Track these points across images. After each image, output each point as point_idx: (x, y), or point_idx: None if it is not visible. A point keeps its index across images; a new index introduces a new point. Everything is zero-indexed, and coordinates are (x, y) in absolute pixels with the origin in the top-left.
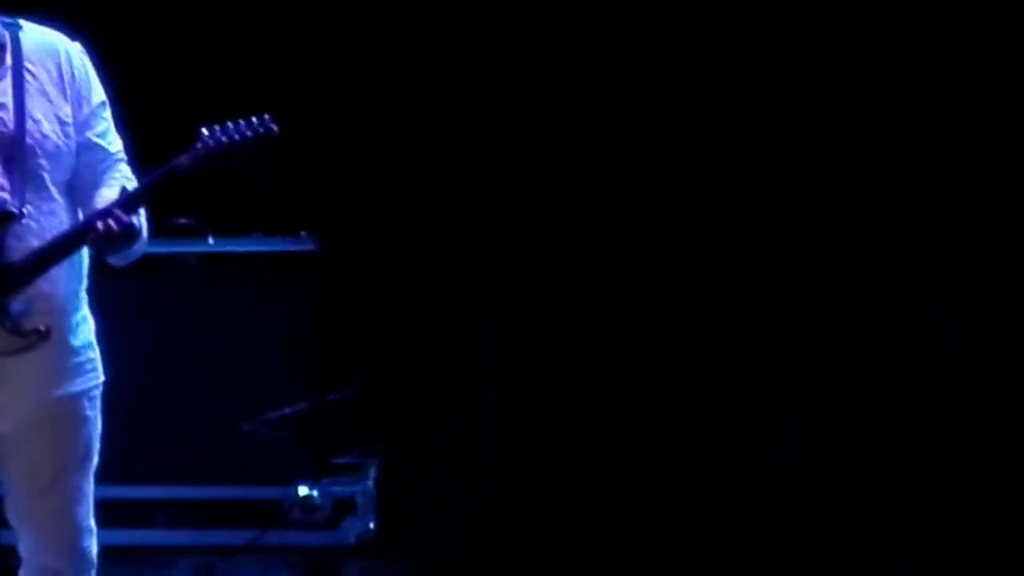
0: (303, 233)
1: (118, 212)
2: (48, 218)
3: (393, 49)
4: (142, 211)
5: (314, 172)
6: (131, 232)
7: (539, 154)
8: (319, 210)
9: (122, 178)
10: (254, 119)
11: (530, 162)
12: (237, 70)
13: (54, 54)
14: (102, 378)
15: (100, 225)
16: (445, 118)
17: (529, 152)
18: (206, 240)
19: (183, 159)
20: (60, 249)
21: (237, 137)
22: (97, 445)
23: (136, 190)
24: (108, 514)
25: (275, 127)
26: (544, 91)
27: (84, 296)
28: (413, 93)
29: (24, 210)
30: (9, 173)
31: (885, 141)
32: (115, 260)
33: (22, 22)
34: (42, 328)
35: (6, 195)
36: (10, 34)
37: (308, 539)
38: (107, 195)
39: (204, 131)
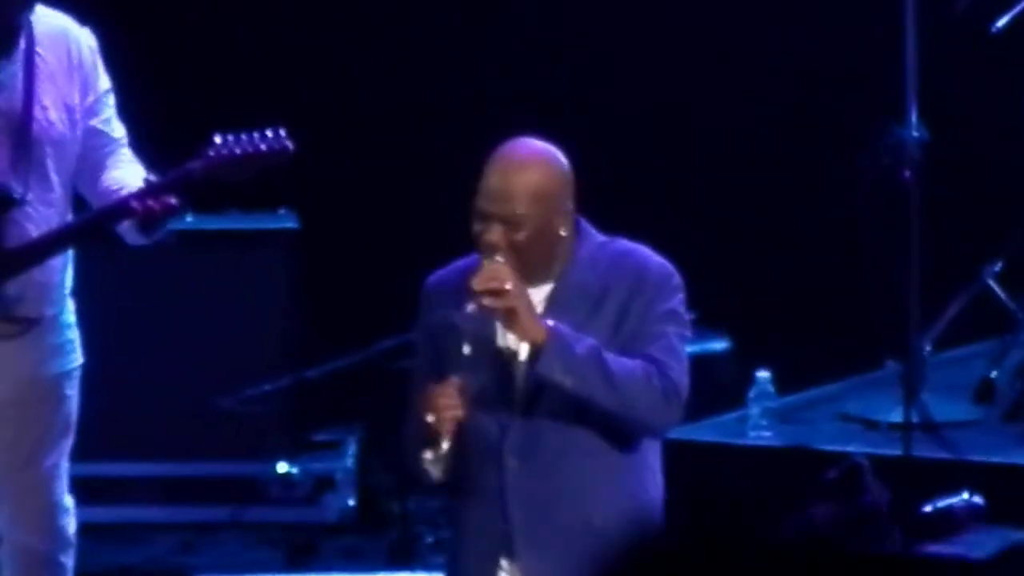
0: (282, 209)
1: (155, 198)
2: (46, 208)
3: (375, 27)
4: None
5: (294, 146)
6: (174, 211)
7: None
8: (298, 185)
9: (128, 161)
10: (269, 133)
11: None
12: (225, 47)
13: (64, 39)
14: (82, 359)
15: (138, 206)
16: (427, 94)
17: (514, 129)
18: (184, 217)
19: (196, 165)
20: (61, 242)
21: (250, 150)
22: (74, 424)
23: (149, 188)
24: (87, 491)
25: (290, 144)
26: (529, 74)
27: (70, 280)
28: (394, 67)
29: (27, 197)
30: (15, 160)
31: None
32: (137, 239)
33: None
34: (32, 316)
35: (11, 180)
36: (25, 18)
37: (287, 516)
38: (117, 176)
39: (217, 139)
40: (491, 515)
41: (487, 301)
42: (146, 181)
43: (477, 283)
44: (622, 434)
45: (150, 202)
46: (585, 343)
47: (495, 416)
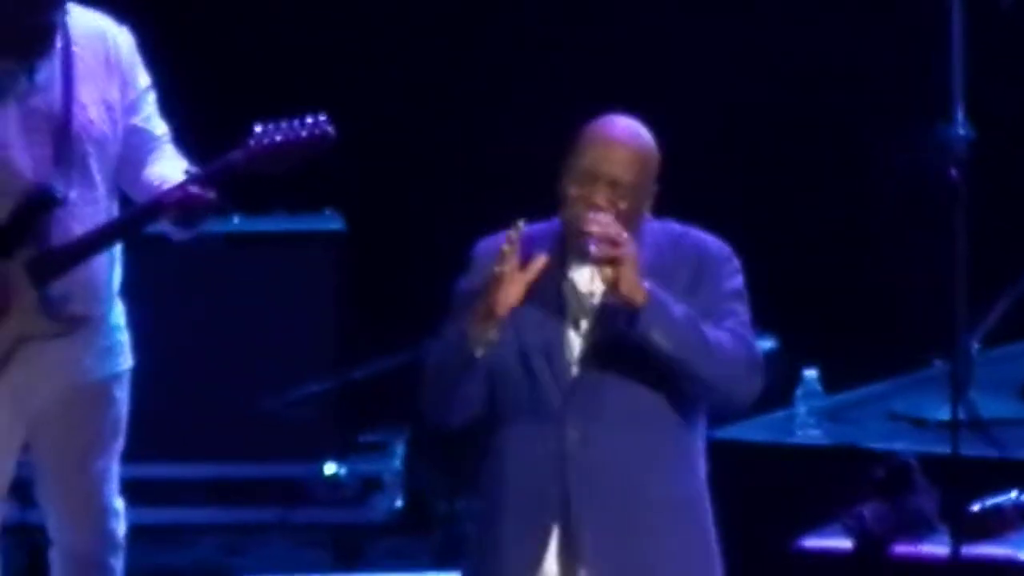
0: (328, 210)
1: (194, 188)
2: (91, 207)
3: (416, 25)
4: None
5: (339, 147)
6: (212, 205)
7: (559, 129)
8: (344, 186)
9: (169, 157)
10: (309, 119)
11: (552, 137)
12: (265, 46)
13: (102, 38)
14: (131, 361)
15: (177, 193)
16: (470, 93)
17: (551, 127)
18: (231, 218)
19: (238, 155)
20: (105, 239)
21: (291, 137)
22: (124, 427)
23: (191, 179)
24: (135, 493)
25: (331, 129)
26: (564, 70)
27: (117, 280)
28: (437, 68)
29: (70, 197)
30: (57, 159)
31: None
32: (181, 234)
33: (70, 5)
34: (79, 314)
35: (54, 180)
36: (59, 17)
37: (335, 517)
38: (158, 171)
39: (257, 128)
40: (545, 482)
41: (602, 247)
42: (187, 173)
43: (598, 226)
44: (686, 408)
45: (189, 190)
46: (682, 307)
47: (557, 380)
